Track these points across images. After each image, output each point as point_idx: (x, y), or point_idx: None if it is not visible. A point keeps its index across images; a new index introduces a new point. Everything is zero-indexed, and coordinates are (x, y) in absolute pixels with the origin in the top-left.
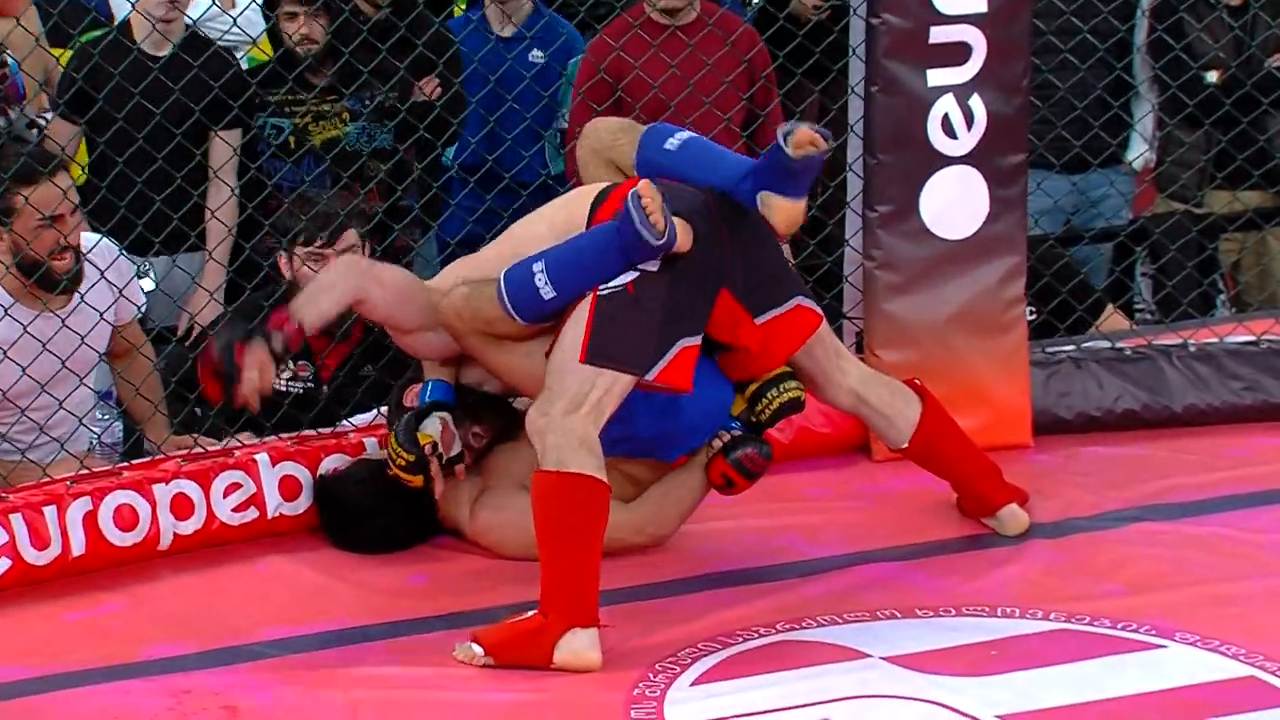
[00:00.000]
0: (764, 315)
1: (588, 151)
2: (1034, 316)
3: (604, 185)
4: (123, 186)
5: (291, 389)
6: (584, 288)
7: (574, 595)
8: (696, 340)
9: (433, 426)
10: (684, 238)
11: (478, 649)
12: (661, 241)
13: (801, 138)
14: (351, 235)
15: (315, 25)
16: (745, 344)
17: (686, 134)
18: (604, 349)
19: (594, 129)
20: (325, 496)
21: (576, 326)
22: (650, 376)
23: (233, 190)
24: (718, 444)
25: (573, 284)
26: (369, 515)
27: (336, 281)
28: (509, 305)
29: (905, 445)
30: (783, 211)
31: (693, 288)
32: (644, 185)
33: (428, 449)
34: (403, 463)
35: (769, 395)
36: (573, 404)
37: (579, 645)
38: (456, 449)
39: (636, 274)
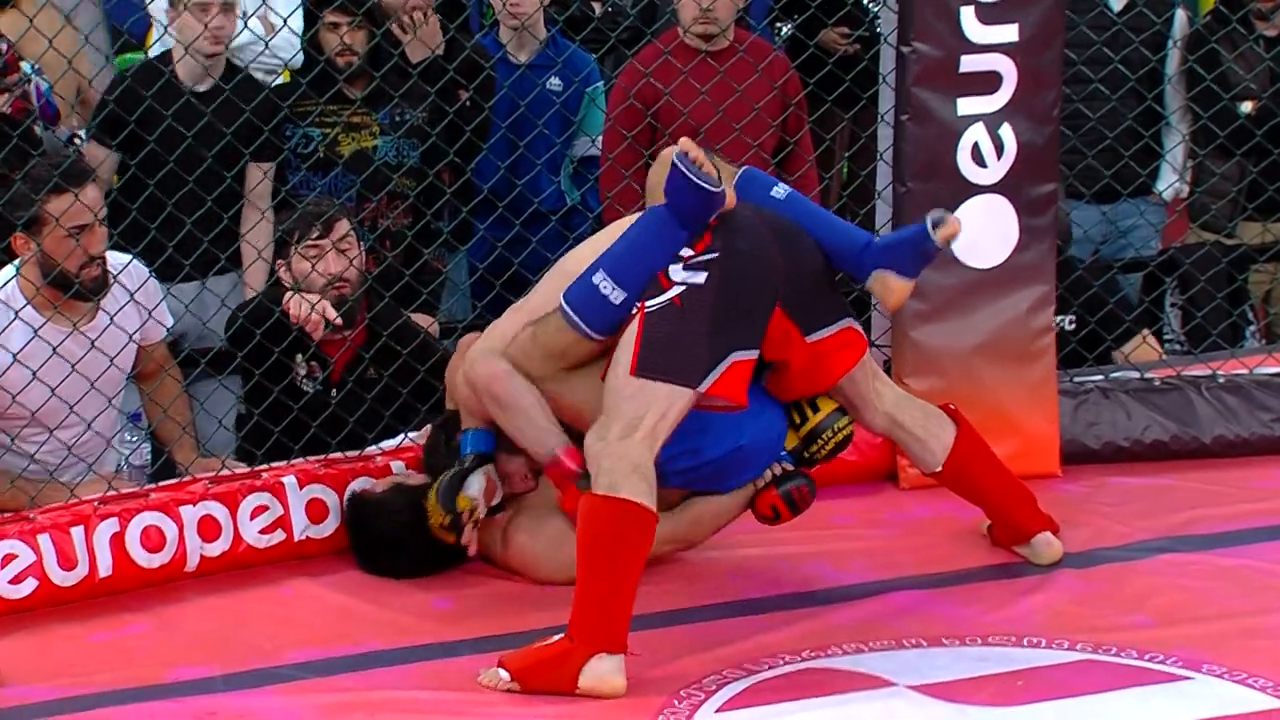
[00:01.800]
0: (815, 334)
1: (658, 181)
2: (1074, 327)
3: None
4: (153, 212)
5: (305, 387)
6: (650, 274)
7: (605, 621)
8: (751, 355)
9: (475, 487)
10: (731, 196)
11: (504, 674)
12: (717, 190)
13: (950, 231)
14: (344, 226)
15: (357, 36)
16: (794, 362)
17: (785, 188)
18: (653, 362)
19: (668, 158)
20: (358, 521)
21: (627, 344)
22: (702, 389)
23: (263, 214)
24: (769, 475)
25: (639, 275)
26: (400, 546)
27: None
28: (581, 324)
29: (939, 469)
30: (899, 293)
31: (743, 300)
32: (685, 141)
33: (465, 515)
34: (440, 522)
35: (825, 435)
36: (629, 427)
37: (604, 670)
38: (498, 498)
39: (684, 287)
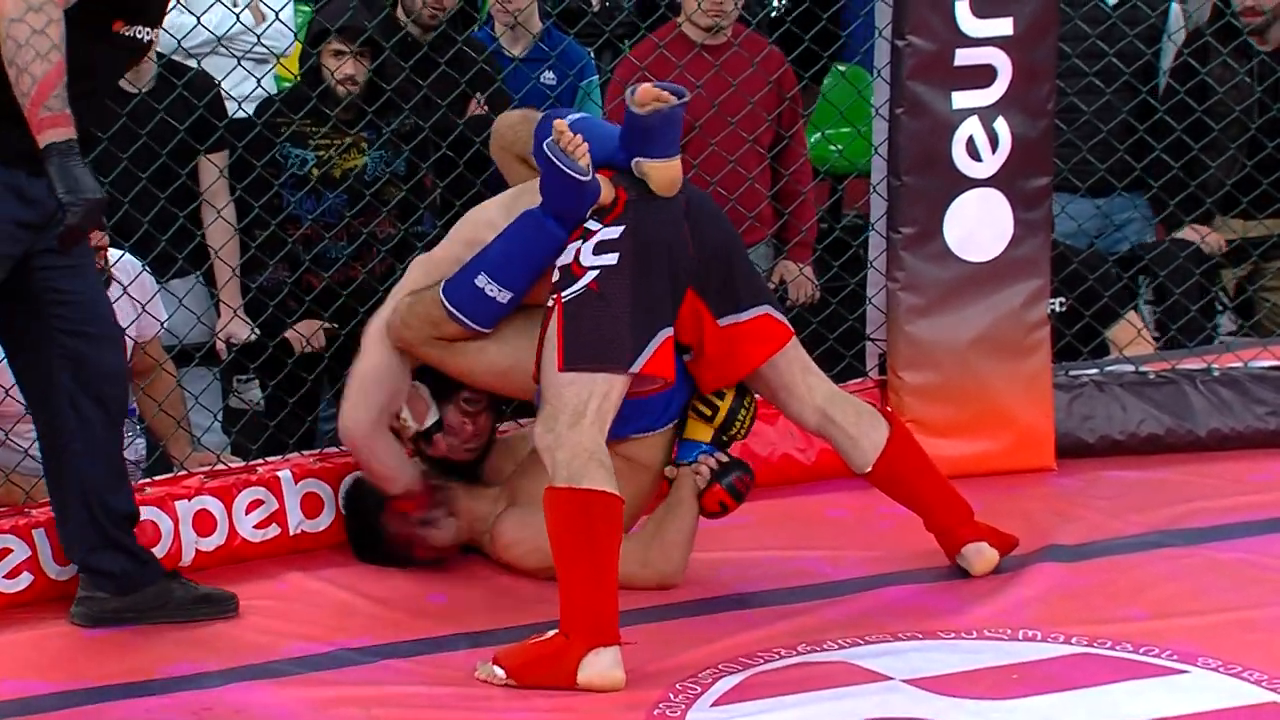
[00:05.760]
0: (727, 319)
1: (496, 149)
2: (1063, 308)
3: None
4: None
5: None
6: (535, 273)
7: (594, 614)
8: (670, 331)
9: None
10: (606, 189)
11: (499, 670)
12: (587, 178)
13: (645, 95)
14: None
15: (360, 66)
16: (708, 348)
17: (575, 115)
18: (581, 352)
19: (496, 127)
20: (349, 509)
21: (551, 339)
22: (635, 369)
23: (219, 213)
24: (705, 472)
25: (522, 275)
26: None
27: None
28: (466, 321)
29: (869, 469)
30: (657, 172)
31: (658, 279)
32: (559, 123)
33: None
34: None
35: (740, 416)
36: (575, 416)
37: (603, 665)
38: (433, 417)
39: (598, 271)
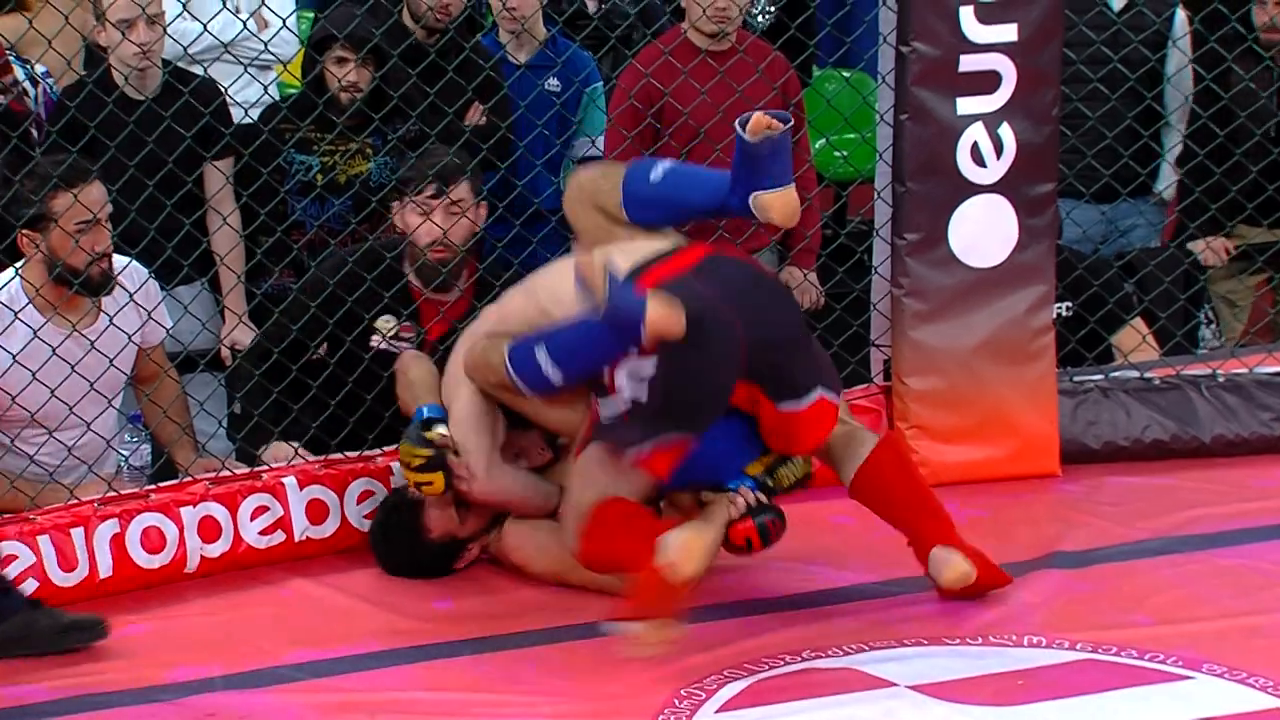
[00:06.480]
0: (785, 404)
1: (574, 203)
2: (1069, 313)
3: (646, 256)
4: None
5: (395, 348)
6: (588, 371)
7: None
8: (690, 436)
9: (441, 427)
10: (658, 311)
11: (630, 626)
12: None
13: (757, 124)
14: (463, 189)
15: (363, 73)
16: (765, 421)
17: (667, 163)
18: (605, 438)
19: (576, 181)
20: (384, 530)
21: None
22: (630, 458)
23: (224, 219)
24: (741, 504)
25: (577, 367)
26: (400, 539)
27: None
28: (520, 383)
29: (848, 484)
30: (776, 204)
31: (692, 401)
32: (610, 259)
33: (440, 444)
34: (419, 462)
35: (783, 471)
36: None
37: (675, 545)
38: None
39: (630, 405)
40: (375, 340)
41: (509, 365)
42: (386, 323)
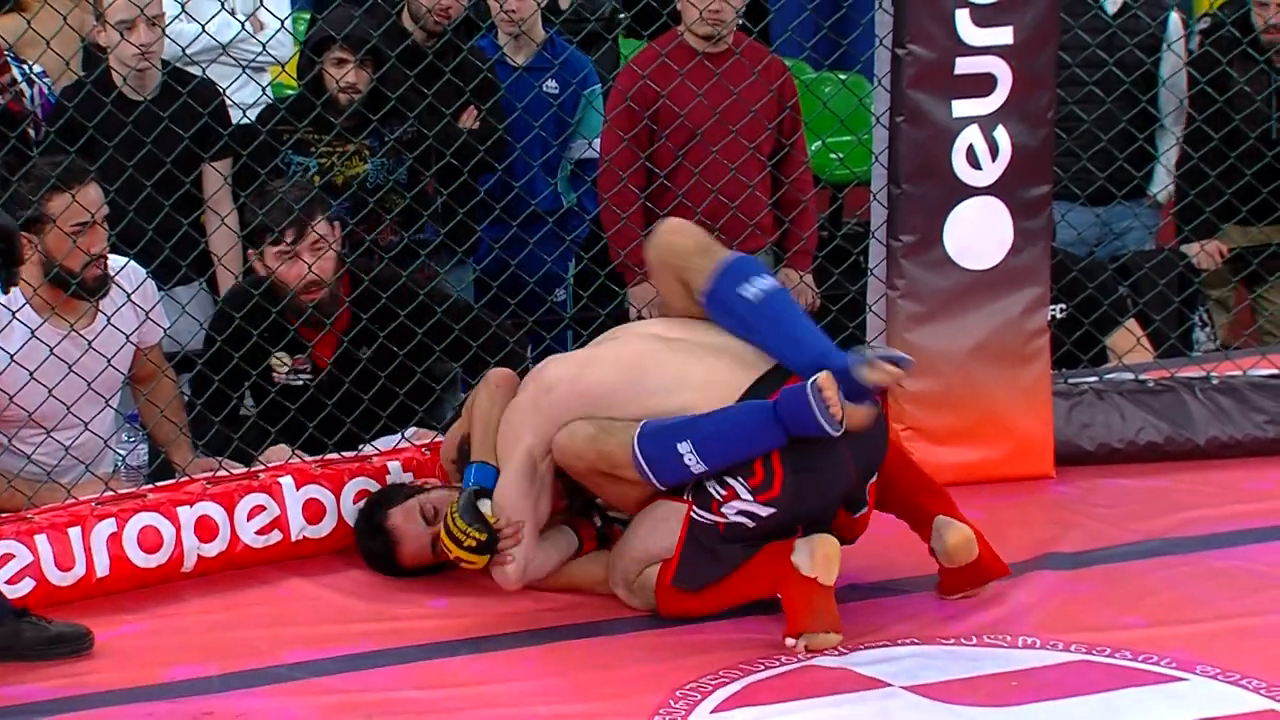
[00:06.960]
0: (858, 513)
1: (658, 262)
2: (1063, 315)
3: (764, 369)
4: (112, 223)
5: (292, 382)
6: (738, 460)
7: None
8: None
9: (490, 508)
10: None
11: (803, 640)
12: (838, 433)
13: (878, 375)
14: (320, 227)
15: (362, 74)
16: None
17: (769, 281)
18: (686, 576)
19: (669, 240)
20: (366, 527)
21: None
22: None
23: (222, 220)
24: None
25: (727, 457)
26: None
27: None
28: (650, 475)
29: None
30: (858, 415)
31: (787, 529)
32: (825, 378)
33: (495, 524)
34: (472, 543)
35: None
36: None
37: (802, 554)
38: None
39: (731, 525)
40: (276, 375)
41: (638, 456)
42: (281, 361)
